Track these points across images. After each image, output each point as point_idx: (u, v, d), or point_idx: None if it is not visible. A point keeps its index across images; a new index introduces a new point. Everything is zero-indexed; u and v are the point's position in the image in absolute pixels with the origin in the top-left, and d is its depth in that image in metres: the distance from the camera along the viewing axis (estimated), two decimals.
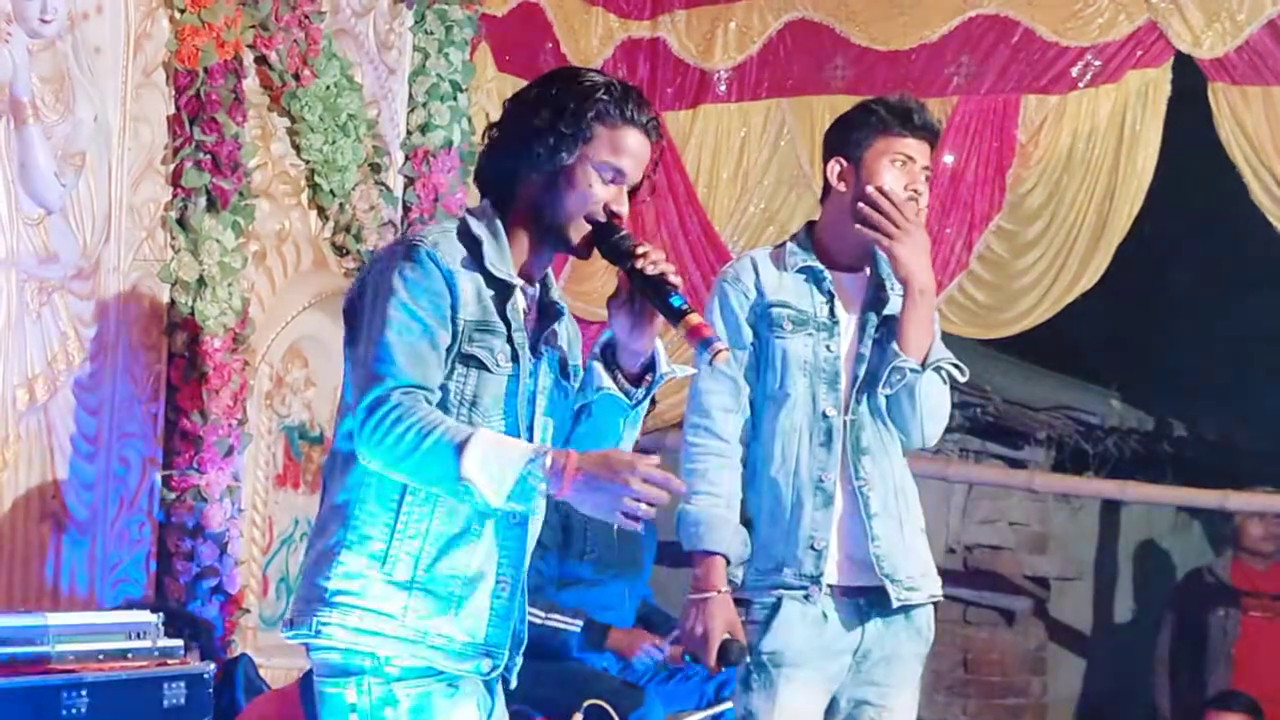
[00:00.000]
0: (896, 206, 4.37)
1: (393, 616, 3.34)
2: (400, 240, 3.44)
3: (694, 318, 3.36)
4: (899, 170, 4.41)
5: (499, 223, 3.45)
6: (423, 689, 3.36)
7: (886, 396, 4.44)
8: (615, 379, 3.48)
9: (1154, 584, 10.38)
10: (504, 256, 3.43)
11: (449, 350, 3.36)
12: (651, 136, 3.48)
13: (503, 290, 3.43)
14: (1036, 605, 9.94)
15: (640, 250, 3.40)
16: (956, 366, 4.50)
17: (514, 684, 3.54)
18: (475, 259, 3.40)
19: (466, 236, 3.42)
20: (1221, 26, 6.36)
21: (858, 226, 4.41)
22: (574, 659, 5.58)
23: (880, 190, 4.38)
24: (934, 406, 4.47)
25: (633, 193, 3.50)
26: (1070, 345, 8.99)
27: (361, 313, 3.37)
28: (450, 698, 3.38)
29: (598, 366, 3.49)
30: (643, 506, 3.18)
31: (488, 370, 3.40)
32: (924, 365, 4.42)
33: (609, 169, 3.43)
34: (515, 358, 3.44)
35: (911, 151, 4.41)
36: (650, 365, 3.51)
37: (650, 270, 3.38)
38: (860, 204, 4.39)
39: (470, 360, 3.39)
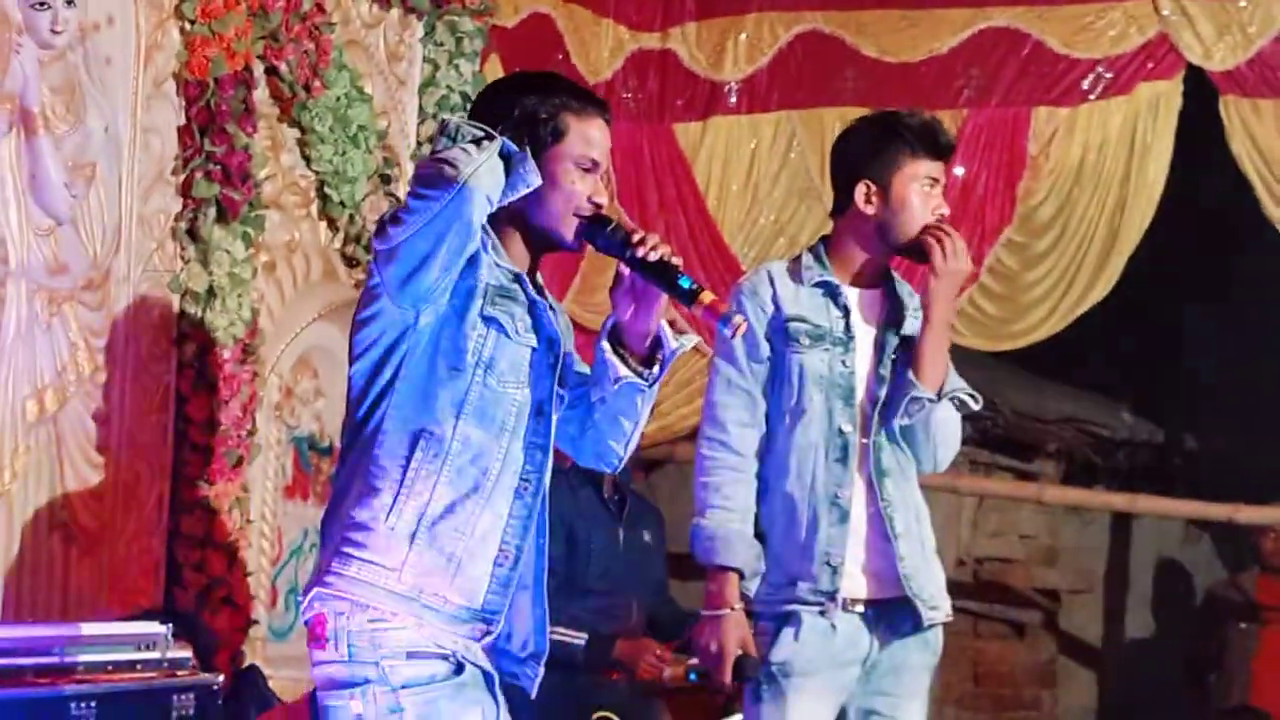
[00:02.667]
0: (956, 243, 4.38)
1: (390, 570, 3.35)
2: None
3: (707, 295, 3.37)
4: (926, 194, 4.43)
5: (494, 235, 3.48)
6: (429, 695, 3.35)
7: (902, 425, 4.46)
8: (627, 363, 3.48)
9: (1164, 597, 10.37)
10: (502, 259, 3.48)
11: (471, 307, 3.40)
12: (609, 120, 3.53)
13: (518, 277, 3.47)
14: (1046, 618, 9.94)
15: (636, 238, 3.42)
16: (971, 395, 4.51)
17: (534, 694, 3.55)
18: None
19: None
20: (1233, 39, 6.36)
21: (896, 248, 4.44)
22: (581, 671, 5.56)
23: (934, 227, 4.40)
24: (947, 435, 4.50)
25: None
26: (1080, 358, 8.99)
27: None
28: (457, 703, 3.37)
29: (609, 356, 3.48)
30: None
31: (506, 335, 3.43)
32: (939, 395, 4.43)
33: (585, 160, 3.47)
34: (538, 330, 3.47)
35: (936, 174, 4.45)
36: (658, 341, 3.51)
37: (651, 256, 3.39)
38: (924, 234, 4.41)
39: (491, 321, 3.42)
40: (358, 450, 3.43)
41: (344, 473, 3.47)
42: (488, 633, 3.44)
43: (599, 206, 3.48)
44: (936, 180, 4.45)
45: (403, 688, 3.35)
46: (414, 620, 3.37)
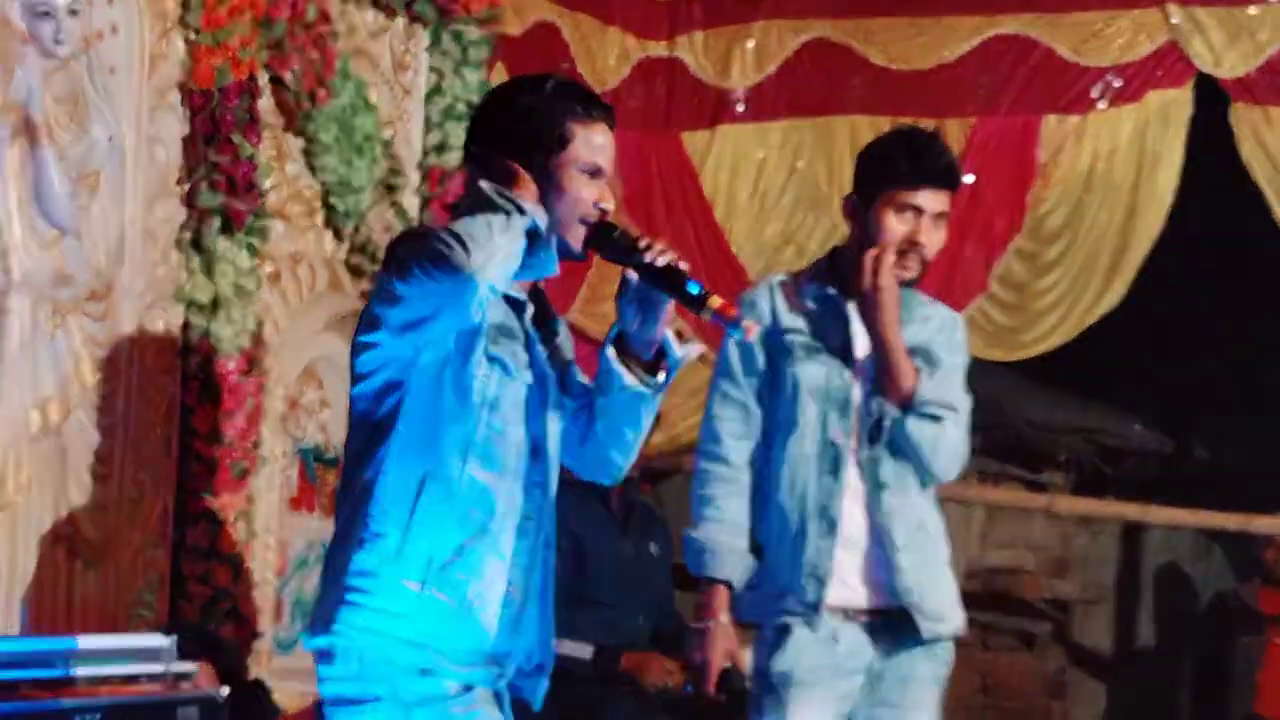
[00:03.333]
0: (875, 262, 4.36)
1: (402, 616, 3.32)
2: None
3: (715, 299, 3.33)
4: (902, 220, 4.40)
5: None
6: (440, 712, 3.34)
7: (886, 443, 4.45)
8: (632, 371, 3.46)
9: (1175, 608, 10.34)
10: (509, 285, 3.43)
11: (476, 346, 3.37)
12: (613, 126, 3.49)
13: (516, 305, 3.44)
14: (1056, 629, 9.92)
15: (642, 244, 3.38)
16: (948, 407, 4.46)
17: (538, 707, 3.52)
18: None
19: None
20: (1243, 46, 6.35)
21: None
22: (589, 683, 5.55)
23: (901, 251, 4.39)
24: (932, 450, 4.46)
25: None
26: (1091, 367, 8.95)
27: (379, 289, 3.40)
28: (465, 716, 3.35)
29: (614, 364, 3.46)
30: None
31: (508, 374, 3.40)
32: (905, 410, 4.41)
33: (590, 166, 3.43)
34: (531, 366, 3.43)
35: (921, 201, 4.41)
36: (662, 351, 3.48)
37: (659, 261, 3.36)
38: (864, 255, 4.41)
39: (495, 361, 3.38)
40: (360, 489, 3.39)
41: (346, 509, 3.42)
42: (500, 675, 3.42)
43: (605, 212, 3.44)
44: (920, 209, 4.40)
45: (415, 704, 3.33)
46: (429, 670, 3.34)
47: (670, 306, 3.42)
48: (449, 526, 3.34)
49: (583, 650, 5.52)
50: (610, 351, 3.46)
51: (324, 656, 3.39)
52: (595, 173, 3.44)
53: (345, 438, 3.49)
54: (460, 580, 3.34)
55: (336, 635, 3.34)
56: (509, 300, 3.42)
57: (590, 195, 3.43)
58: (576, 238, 3.43)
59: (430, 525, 3.33)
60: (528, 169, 3.41)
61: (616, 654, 5.63)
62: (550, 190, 3.41)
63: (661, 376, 3.48)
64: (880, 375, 4.43)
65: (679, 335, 3.52)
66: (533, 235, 3.30)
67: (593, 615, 5.62)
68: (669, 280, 3.36)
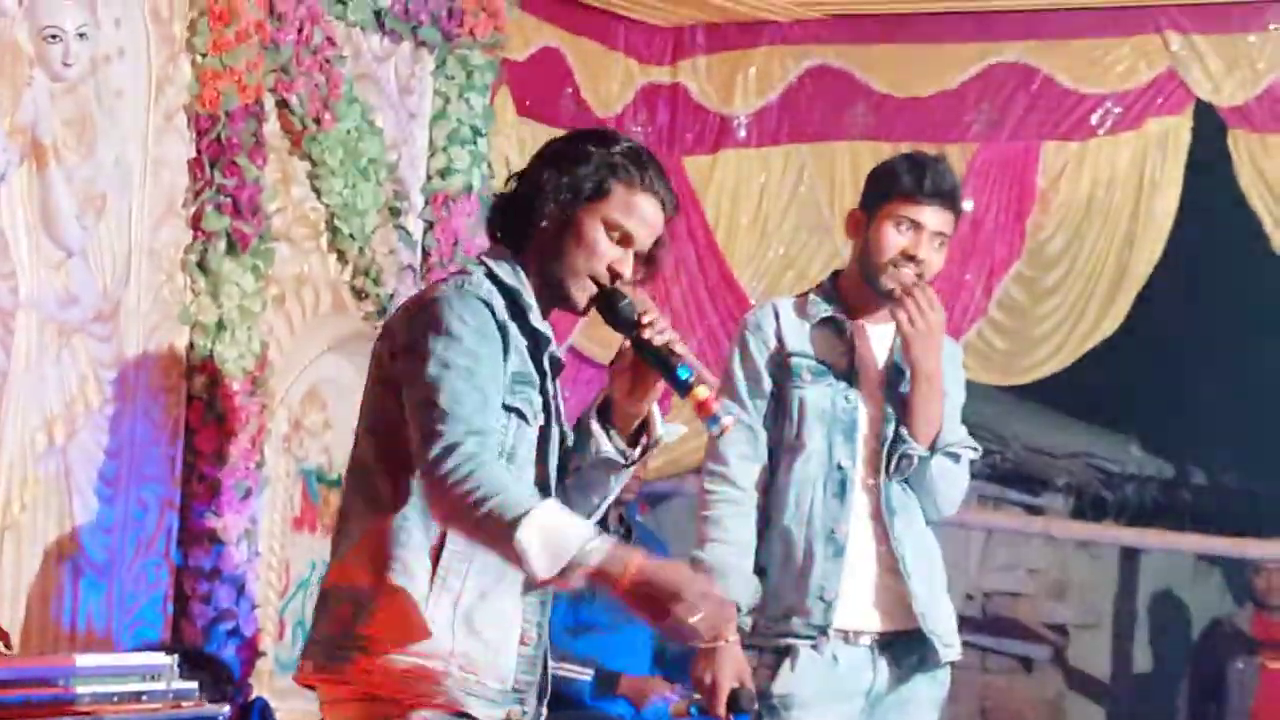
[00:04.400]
0: (924, 294, 4.37)
1: (439, 665, 3.33)
2: (451, 286, 3.39)
3: (701, 391, 3.34)
4: (901, 234, 4.41)
5: (522, 272, 3.44)
6: None
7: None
8: (611, 439, 3.46)
9: (1173, 633, 10.34)
10: (536, 308, 3.43)
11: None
12: (666, 209, 3.46)
13: (536, 341, 3.43)
14: (1055, 653, 9.92)
15: (646, 319, 3.39)
16: (971, 448, 4.50)
17: None
18: (513, 308, 3.39)
19: (498, 285, 3.40)
20: (1241, 74, 6.38)
21: (881, 294, 4.42)
22: (588, 707, 5.56)
23: (895, 264, 4.39)
24: (946, 488, 4.50)
25: (650, 265, 3.47)
26: (1089, 392, 8.97)
27: (416, 355, 3.32)
28: None
29: (595, 427, 3.46)
30: (699, 625, 3.19)
31: (526, 423, 3.40)
32: (933, 449, 4.43)
33: (618, 229, 3.41)
34: (546, 408, 3.44)
35: (922, 217, 4.41)
36: (645, 424, 3.49)
37: (657, 340, 3.37)
38: (878, 273, 4.41)
39: (512, 412, 3.37)
40: (375, 536, 3.37)
41: (364, 550, 3.39)
42: (524, 713, 3.45)
43: (617, 277, 3.42)
44: (920, 224, 4.42)
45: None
46: (455, 709, 3.35)
47: (660, 386, 3.42)
48: (473, 574, 3.36)
49: (582, 674, 5.53)
50: (594, 420, 3.47)
51: (333, 677, 3.40)
52: (623, 238, 3.41)
53: (350, 464, 3.48)
54: (486, 623, 3.37)
55: (368, 682, 3.35)
56: (531, 334, 3.41)
57: (608, 254, 3.40)
58: (583, 291, 3.42)
59: (455, 574, 3.34)
60: (556, 206, 3.40)
61: (615, 678, 5.64)
62: (568, 232, 3.40)
63: (637, 452, 3.48)
64: (912, 412, 4.43)
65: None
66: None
67: (592, 640, 5.64)
68: (661, 359, 3.36)
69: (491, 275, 3.41)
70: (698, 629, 3.19)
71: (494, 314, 3.34)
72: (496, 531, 3.17)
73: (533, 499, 3.20)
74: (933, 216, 4.41)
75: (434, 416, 3.24)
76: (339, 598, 3.40)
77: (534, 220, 3.42)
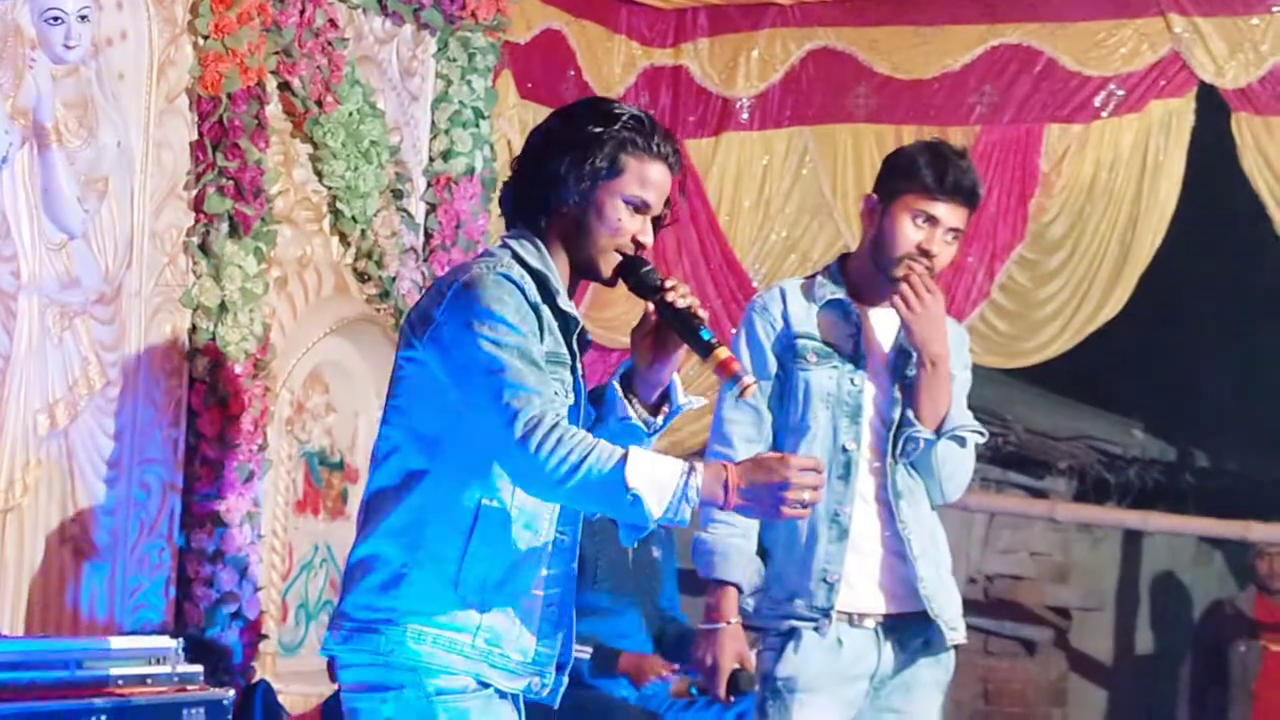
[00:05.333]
0: (920, 279, 4.38)
1: (465, 636, 3.41)
2: (483, 267, 3.44)
3: (722, 352, 3.42)
4: (917, 228, 4.41)
5: (547, 254, 3.50)
6: (461, 704, 3.42)
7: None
8: (633, 407, 3.53)
9: (1176, 615, 10.36)
10: (564, 289, 3.50)
11: None
12: (674, 169, 3.53)
13: (566, 322, 3.49)
14: (1057, 636, 9.93)
15: (669, 284, 3.46)
16: (977, 432, 4.51)
17: (556, 705, 3.59)
18: (542, 291, 3.45)
19: (525, 268, 3.46)
20: (1245, 57, 6.37)
21: (891, 283, 4.42)
22: (588, 687, 5.56)
23: (909, 257, 4.40)
24: (952, 471, 4.50)
25: (657, 223, 3.55)
26: (1092, 375, 8.99)
27: (463, 337, 3.37)
28: (487, 715, 3.44)
29: (618, 395, 3.54)
30: (806, 494, 3.27)
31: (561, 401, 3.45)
32: (939, 433, 4.43)
33: (636, 201, 3.48)
34: (576, 387, 3.50)
35: (938, 213, 4.41)
36: (666, 394, 3.56)
37: (680, 303, 3.44)
38: (892, 265, 4.41)
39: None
40: (412, 508, 3.43)
41: (392, 527, 3.44)
42: (544, 685, 3.51)
43: (641, 247, 3.50)
44: (936, 219, 4.41)
45: (436, 694, 3.41)
46: (475, 682, 3.43)
47: (680, 354, 3.50)
48: (502, 550, 3.43)
49: (581, 651, 5.54)
50: (616, 384, 3.54)
51: (348, 640, 3.46)
52: (641, 207, 3.49)
53: (382, 450, 3.51)
54: (511, 598, 3.45)
55: (392, 655, 3.41)
56: (560, 315, 3.47)
57: (631, 228, 3.48)
58: (609, 264, 3.50)
59: (486, 550, 3.42)
60: (576, 188, 3.45)
61: (614, 655, 5.65)
62: (590, 214, 3.46)
63: (660, 419, 3.55)
64: (919, 395, 4.43)
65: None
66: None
67: (594, 621, 5.64)
68: (684, 322, 3.44)
69: (518, 258, 3.47)
70: (806, 498, 3.28)
71: (525, 295, 3.41)
72: (604, 487, 3.25)
73: (617, 446, 3.29)
74: (950, 213, 4.42)
75: (504, 396, 3.31)
76: (366, 571, 3.46)
77: (555, 207, 3.48)
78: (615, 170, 3.46)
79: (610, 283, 3.52)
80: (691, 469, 3.28)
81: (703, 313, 3.46)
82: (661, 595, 6.01)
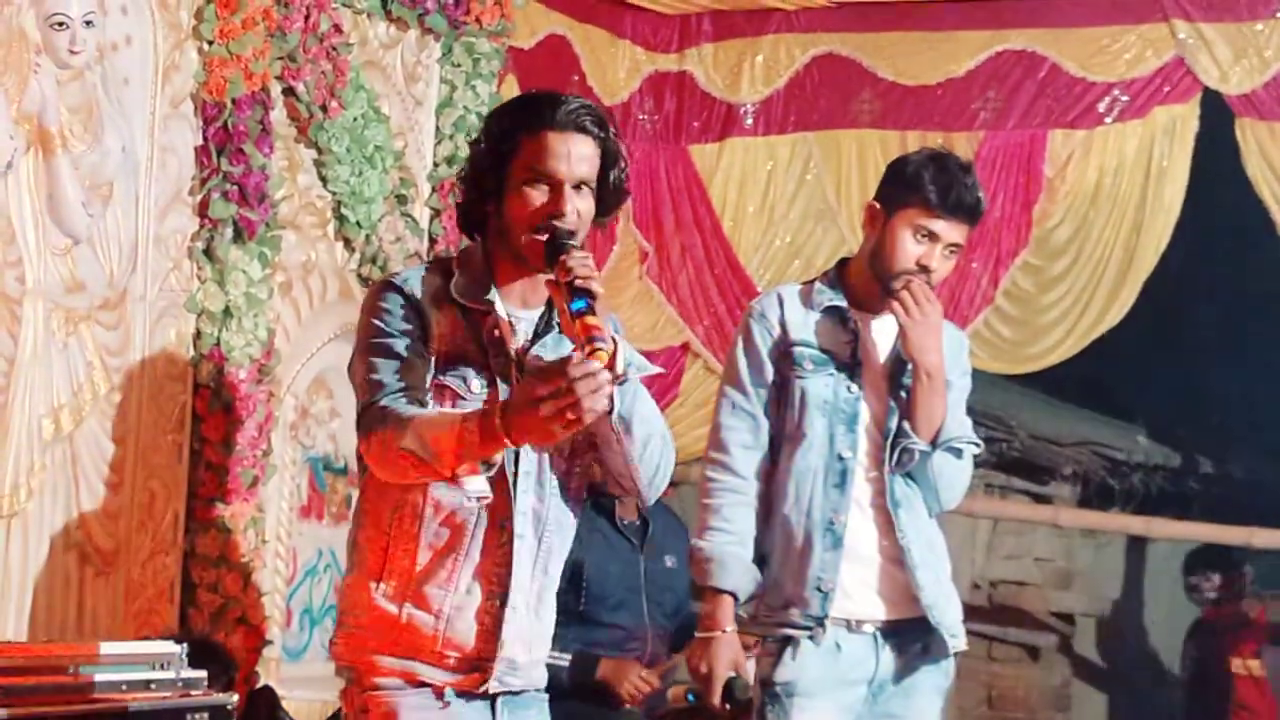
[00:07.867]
0: (920, 288, 4.37)
1: (386, 633, 3.48)
2: (378, 280, 3.60)
3: (591, 320, 3.22)
4: (917, 242, 4.41)
5: (481, 255, 3.50)
6: (391, 699, 3.48)
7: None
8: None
9: (1179, 621, 10.35)
10: (477, 286, 3.47)
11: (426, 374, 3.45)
12: (580, 128, 3.44)
13: (476, 318, 3.47)
14: (1061, 641, 9.92)
15: (572, 261, 3.30)
16: (972, 443, 4.50)
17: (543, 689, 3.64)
18: (447, 291, 3.48)
19: (442, 272, 3.50)
20: (1249, 62, 6.36)
21: (889, 294, 4.42)
22: (570, 697, 5.52)
23: (907, 273, 4.39)
24: (948, 482, 4.50)
25: (604, 193, 3.47)
26: (1096, 381, 8.99)
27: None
28: (419, 713, 3.48)
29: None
30: (587, 400, 3.13)
31: (461, 398, 3.45)
32: (934, 444, 4.42)
33: (540, 175, 3.41)
34: (493, 382, 3.46)
35: (939, 229, 4.40)
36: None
37: (579, 270, 3.28)
38: (890, 278, 4.41)
39: (443, 390, 3.45)
40: (355, 514, 3.59)
41: (349, 535, 3.62)
42: (484, 680, 3.50)
43: (554, 217, 3.39)
44: (936, 236, 4.40)
45: (370, 690, 3.49)
46: (412, 677, 3.49)
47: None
48: (422, 548, 3.48)
49: (559, 659, 5.51)
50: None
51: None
52: (547, 178, 3.41)
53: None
54: (438, 594, 3.47)
55: (339, 659, 3.57)
56: (468, 312, 3.48)
57: (537, 205, 3.41)
58: (532, 250, 3.41)
59: (403, 549, 3.48)
60: (489, 183, 3.46)
61: (593, 662, 5.62)
62: (504, 204, 3.45)
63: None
64: (914, 407, 4.42)
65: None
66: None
67: (600, 636, 5.62)
68: (568, 286, 3.27)
69: (441, 264, 3.53)
70: (586, 405, 3.14)
71: (404, 295, 3.45)
72: (393, 455, 3.31)
73: (409, 409, 3.34)
74: (950, 230, 4.41)
75: (356, 393, 3.48)
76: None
77: (482, 210, 3.49)
78: (512, 151, 3.42)
79: (541, 269, 3.39)
80: (465, 420, 3.25)
81: (597, 287, 3.26)
82: (672, 605, 5.95)
